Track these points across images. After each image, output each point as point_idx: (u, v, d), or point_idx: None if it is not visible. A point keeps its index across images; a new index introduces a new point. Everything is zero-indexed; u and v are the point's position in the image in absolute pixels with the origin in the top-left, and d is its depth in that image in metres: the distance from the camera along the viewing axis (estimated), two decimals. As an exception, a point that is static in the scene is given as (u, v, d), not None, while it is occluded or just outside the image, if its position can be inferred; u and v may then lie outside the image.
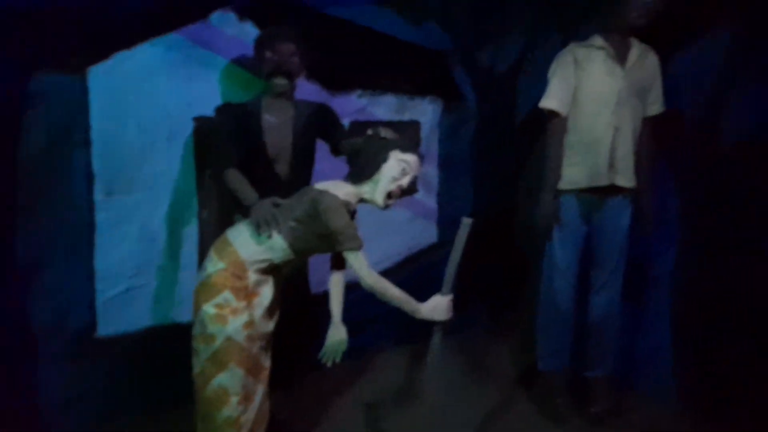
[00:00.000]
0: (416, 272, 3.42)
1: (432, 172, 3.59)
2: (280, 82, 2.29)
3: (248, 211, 1.87)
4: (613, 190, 2.45)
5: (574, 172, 2.47)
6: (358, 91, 3.12)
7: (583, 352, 2.64)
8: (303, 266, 2.47)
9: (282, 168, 2.34)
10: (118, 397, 2.41)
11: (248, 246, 1.76)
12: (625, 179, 2.44)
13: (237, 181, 2.13)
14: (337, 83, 3.00)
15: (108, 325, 2.41)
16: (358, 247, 1.70)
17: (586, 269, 2.60)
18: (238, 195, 2.09)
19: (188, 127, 2.54)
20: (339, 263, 2.01)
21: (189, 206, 2.59)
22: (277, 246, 1.76)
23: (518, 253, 3.46)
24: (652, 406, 2.61)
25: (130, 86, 2.38)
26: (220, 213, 2.57)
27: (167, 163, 2.52)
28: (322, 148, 2.45)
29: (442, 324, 1.81)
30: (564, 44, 2.57)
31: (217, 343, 1.70)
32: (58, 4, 2.12)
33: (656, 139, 2.51)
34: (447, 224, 3.62)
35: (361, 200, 1.85)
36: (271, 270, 1.80)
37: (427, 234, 3.62)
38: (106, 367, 2.38)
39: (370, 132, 1.87)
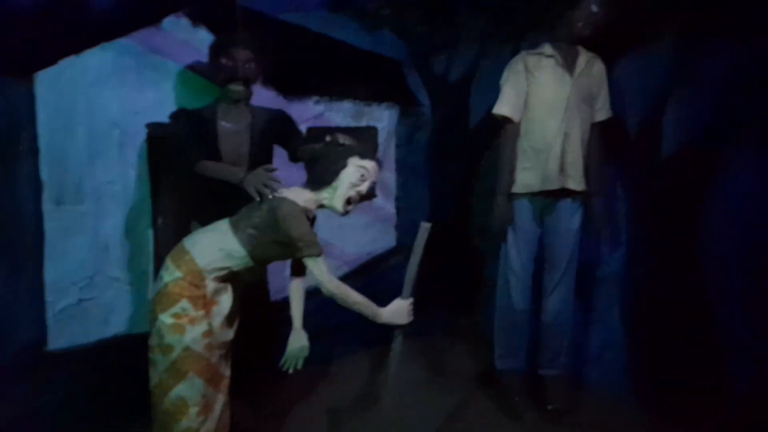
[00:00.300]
0: (376, 276, 3.45)
1: (390, 177, 3.63)
2: (236, 88, 2.28)
3: (240, 184, 1.89)
4: (564, 193, 2.53)
5: (527, 176, 2.54)
6: (315, 98, 3.14)
7: (539, 350, 2.72)
8: (262, 273, 2.45)
9: (239, 175, 2.32)
10: (71, 412, 2.32)
11: (206, 254, 1.73)
12: (576, 183, 2.52)
13: (214, 166, 2.11)
14: (293, 89, 3.00)
15: (59, 339, 2.34)
16: (318, 254, 1.71)
17: (541, 270, 2.68)
18: (223, 176, 2.06)
19: (140, 134, 2.49)
20: (299, 270, 2.01)
21: (144, 214, 2.54)
22: (236, 253, 1.75)
23: (475, 255, 3.53)
24: (606, 402, 2.70)
25: (79, 93, 2.32)
26: (177, 220, 2.53)
27: (119, 171, 2.47)
28: (280, 154, 2.44)
29: (402, 328, 1.83)
30: (514, 52, 2.64)
31: (175, 353, 1.67)
32: (1, 7, 2.06)
33: (604, 143, 2.60)
34: (405, 228, 3.67)
35: (321, 206, 1.86)
36: (230, 278, 1.78)
37: (385, 238, 3.65)
38: (58, 382, 2.31)
39: (328, 138, 1.88)
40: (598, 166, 2.59)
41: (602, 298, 2.86)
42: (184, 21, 2.58)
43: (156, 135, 2.49)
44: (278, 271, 2.23)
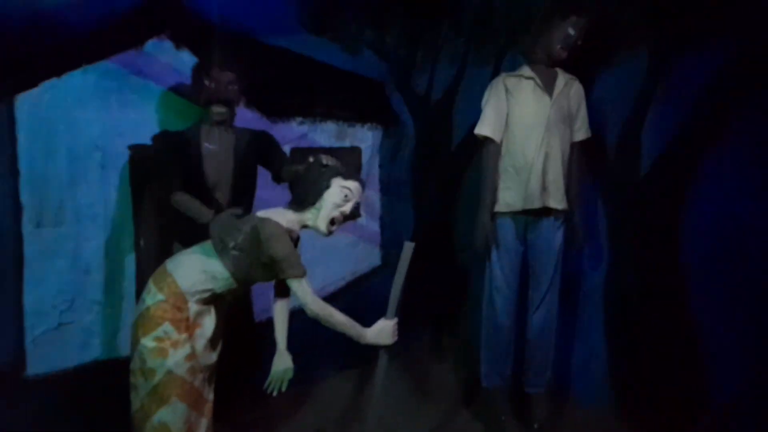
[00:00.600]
0: (361, 296, 3.44)
1: (374, 196, 3.65)
2: (219, 110, 2.29)
3: (206, 228, 1.84)
4: (546, 211, 2.56)
5: (509, 196, 2.57)
6: (299, 119, 3.15)
7: (524, 368, 2.73)
8: (246, 294, 2.44)
9: (223, 196, 2.33)
10: (49, 439, 2.28)
11: (189, 276, 1.72)
12: (557, 201, 2.55)
13: (188, 201, 2.11)
14: (277, 111, 3.02)
15: (38, 364, 2.29)
16: (301, 275, 1.71)
17: (525, 287, 2.70)
18: (192, 214, 2.07)
19: (122, 156, 2.48)
20: (283, 291, 2.00)
21: (125, 236, 2.51)
22: (219, 275, 1.74)
23: (459, 272, 3.55)
24: (589, 414, 2.71)
25: (60, 115, 2.31)
26: (159, 243, 2.51)
27: (100, 193, 2.45)
28: (263, 175, 2.45)
29: (387, 347, 1.83)
30: (495, 72, 2.69)
31: (158, 377, 1.65)
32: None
33: (584, 162, 2.65)
34: (390, 246, 3.67)
35: (304, 227, 1.86)
36: (213, 300, 1.77)
37: (370, 257, 3.66)
38: (37, 408, 2.26)
39: (311, 159, 1.89)
40: (578, 185, 2.63)
41: (585, 312, 2.89)
42: (167, 44, 2.59)
43: (138, 157, 2.48)
44: (262, 292, 2.22)
